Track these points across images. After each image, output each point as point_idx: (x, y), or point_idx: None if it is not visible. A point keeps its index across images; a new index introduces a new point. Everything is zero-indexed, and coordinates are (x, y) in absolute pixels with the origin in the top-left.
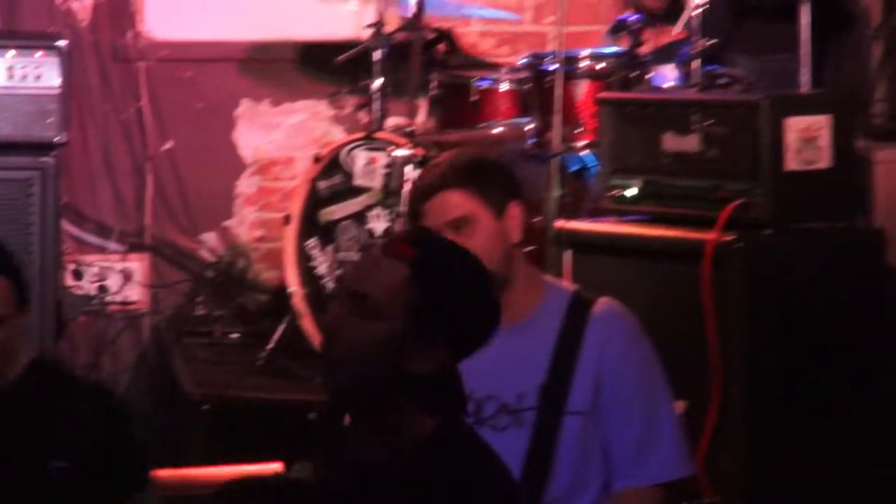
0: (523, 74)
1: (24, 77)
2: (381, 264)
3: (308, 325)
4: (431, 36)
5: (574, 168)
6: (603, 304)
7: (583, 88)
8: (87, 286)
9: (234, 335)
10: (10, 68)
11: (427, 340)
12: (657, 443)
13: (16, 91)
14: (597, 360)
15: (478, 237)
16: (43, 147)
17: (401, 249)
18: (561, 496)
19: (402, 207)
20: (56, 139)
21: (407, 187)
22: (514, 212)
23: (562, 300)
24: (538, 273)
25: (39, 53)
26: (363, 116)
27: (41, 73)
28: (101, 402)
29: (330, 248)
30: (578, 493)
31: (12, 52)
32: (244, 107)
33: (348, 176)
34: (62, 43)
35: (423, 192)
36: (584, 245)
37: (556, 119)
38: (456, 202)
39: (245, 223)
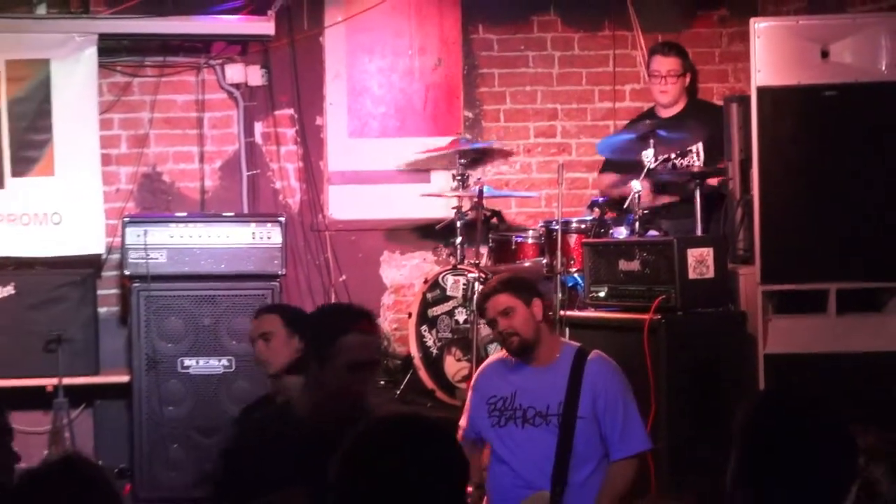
0: (540, 233)
1: (262, 238)
2: None
3: (423, 375)
4: (489, 213)
5: (570, 283)
6: (595, 353)
7: (574, 239)
8: None
9: (382, 382)
10: (253, 233)
11: None
12: (632, 431)
13: (256, 245)
14: (592, 385)
15: (517, 319)
16: (271, 277)
17: None
18: (577, 463)
19: (473, 307)
20: (279, 273)
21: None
22: (537, 303)
23: (571, 351)
24: (558, 336)
25: (270, 225)
26: (452, 259)
27: (271, 236)
28: None
29: (434, 330)
30: (586, 462)
31: (254, 224)
32: (385, 255)
33: (444, 290)
34: (282, 219)
35: (484, 296)
36: (577, 325)
37: (558, 256)
38: (503, 300)
39: (387, 320)
